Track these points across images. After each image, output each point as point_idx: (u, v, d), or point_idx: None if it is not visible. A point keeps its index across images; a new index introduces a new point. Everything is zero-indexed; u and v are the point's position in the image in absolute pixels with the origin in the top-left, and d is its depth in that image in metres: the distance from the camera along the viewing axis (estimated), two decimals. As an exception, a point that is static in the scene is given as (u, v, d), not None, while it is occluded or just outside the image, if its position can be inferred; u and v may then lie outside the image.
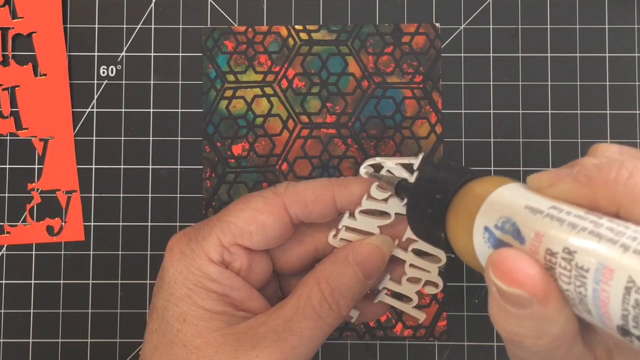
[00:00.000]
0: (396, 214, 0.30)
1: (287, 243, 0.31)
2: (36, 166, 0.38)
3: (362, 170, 0.30)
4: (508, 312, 0.21)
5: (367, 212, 0.30)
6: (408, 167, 0.30)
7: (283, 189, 0.30)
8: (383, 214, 0.30)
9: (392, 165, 0.30)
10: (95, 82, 0.38)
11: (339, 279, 0.29)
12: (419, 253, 0.31)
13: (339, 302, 0.28)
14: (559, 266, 0.19)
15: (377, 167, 0.30)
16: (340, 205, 0.30)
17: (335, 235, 0.31)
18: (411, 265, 0.31)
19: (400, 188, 0.29)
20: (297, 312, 0.28)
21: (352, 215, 0.30)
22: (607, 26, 0.38)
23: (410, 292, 0.32)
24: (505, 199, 0.22)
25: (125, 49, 0.39)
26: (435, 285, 0.32)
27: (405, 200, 0.29)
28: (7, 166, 0.38)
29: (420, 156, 0.30)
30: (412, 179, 0.29)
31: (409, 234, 0.30)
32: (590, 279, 0.18)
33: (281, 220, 0.30)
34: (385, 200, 0.30)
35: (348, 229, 0.31)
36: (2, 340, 0.37)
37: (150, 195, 0.38)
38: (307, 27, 0.38)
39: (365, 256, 0.29)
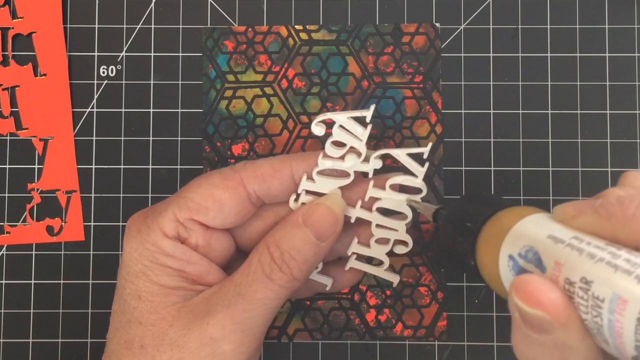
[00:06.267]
0: (355, 173, 0.30)
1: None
2: (36, 166, 0.38)
3: (314, 126, 0.30)
4: (530, 338, 0.21)
5: (326, 174, 0.30)
6: (361, 121, 0.29)
7: (241, 165, 0.30)
8: (343, 174, 0.30)
9: (344, 119, 0.29)
10: (95, 82, 0.38)
11: (288, 242, 0.28)
12: (384, 212, 0.31)
13: (289, 264, 0.28)
14: (577, 295, 0.20)
15: (329, 123, 0.29)
16: (299, 179, 0.30)
17: (296, 200, 0.30)
18: (378, 225, 0.31)
19: (437, 215, 0.29)
20: (248, 277, 0.28)
21: (310, 177, 0.30)
22: (607, 26, 0.38)
23: (380, 254, 0.32)
24: (530, 228, 0.23)
25: (125, 49, 0.39)
26: (405, 243, 0.31)
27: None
28: (7, 166, 0.38)
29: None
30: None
31: (371, 193, 0.30)
32: (606, 309, 0.19)
33: (238, 197, 0.29)
34: (342, 157, 0.30)
35: (308, 192, 0.30)
36: (2, 340, 0.37)
37: (150, 195, 0.38)
38: (307, 27, 0.38)
39: (316, 217, 0.29)
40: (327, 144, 0.29)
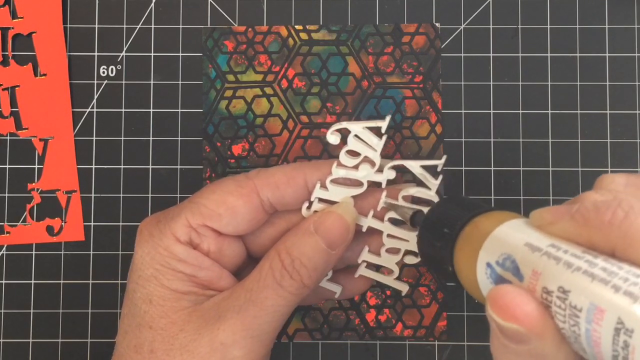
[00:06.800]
0: (369, 182, 0.30)
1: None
2: (36, 166, 0.38)
3: (329, 135, 0.30)
4: (507, 347, 0.21)
5: (340, 182, 0.30)
6: (376, 131, 0.29)
7: (255, 173, 0.30)
8: (356, 183, 0.30)
9: (359, 129, 0.29)
10: (95, 82, 0.38)
11: (299, 249, 0.28)
12: (395, 222, 0.31)
13: (299, 271, 0.28)
14: (554, 305, 0.20)
15: (345, 132, 0.30)
16: (312, 187, 0.30)
17: (308, 207, 0.30)
18: (389, 235, 0.31)
19: (414, 219, 0.29)
20: (259, 283, 0.28)
21: (323, 185, 0.30)
22: (607, 26, 0.38)
23: (390, 263, 0.32)
24: (507, 235, 0.23)
25: (125, 49, 0.39)
26: (415, 254, 0.31)
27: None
28: (7, 166, 0.38)
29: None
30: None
31: (384, 203, 0.30)
32: (583, 318, 0.19)
33: (251, 204, 0.29)
34: (356, 167, 0.30)
35: (321, 200, 0.30)
36: (2, 340, 0.37)
37: (150, 195, 0.38)
38: (307, 27, 0.38)
39: (327, 225, 0.29)
40: (342, 153, 0.29)
